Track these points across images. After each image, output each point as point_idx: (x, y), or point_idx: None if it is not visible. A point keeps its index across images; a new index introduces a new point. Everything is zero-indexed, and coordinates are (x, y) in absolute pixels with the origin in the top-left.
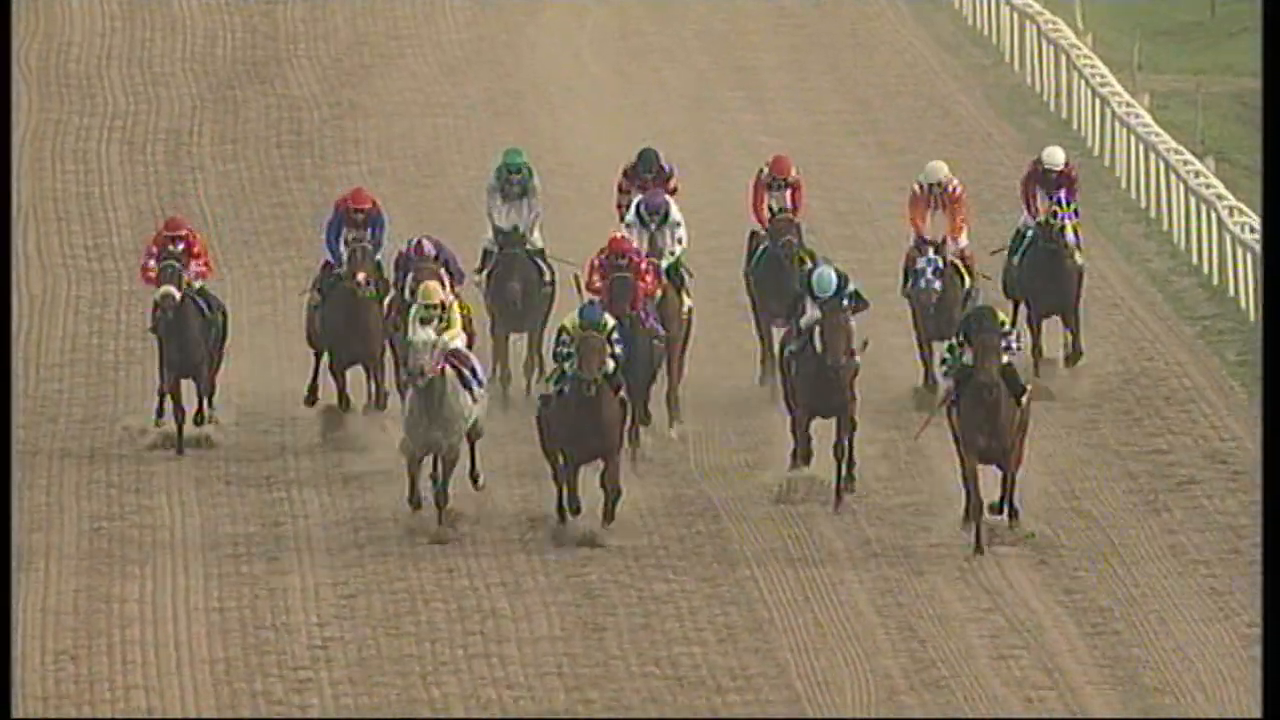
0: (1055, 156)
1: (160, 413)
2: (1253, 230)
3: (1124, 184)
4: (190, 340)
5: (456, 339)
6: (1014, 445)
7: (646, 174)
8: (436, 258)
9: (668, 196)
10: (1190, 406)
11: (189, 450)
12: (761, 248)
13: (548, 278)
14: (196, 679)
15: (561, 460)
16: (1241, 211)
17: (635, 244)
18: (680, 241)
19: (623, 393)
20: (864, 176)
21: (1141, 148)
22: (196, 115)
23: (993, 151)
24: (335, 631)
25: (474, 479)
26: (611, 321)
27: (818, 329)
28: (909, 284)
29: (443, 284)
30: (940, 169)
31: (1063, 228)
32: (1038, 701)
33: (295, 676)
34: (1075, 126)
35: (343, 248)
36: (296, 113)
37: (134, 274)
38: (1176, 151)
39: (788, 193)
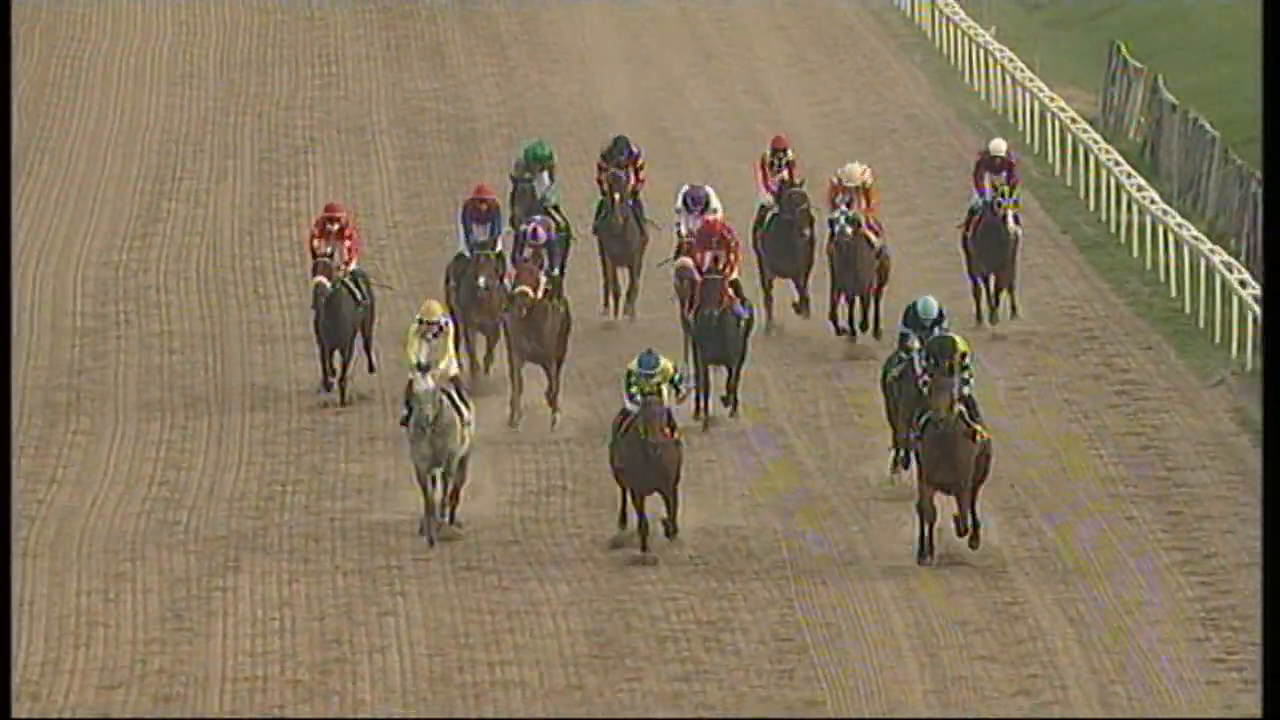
0: (999, 146)
1: (327, 385)
2: (1022, 71)
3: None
4: (341, 318)
5: (450, 367)
6: (971, 481)
7: (620, 156)
8: (546, 243)
9: (708, 189)
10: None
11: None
12: (770, 215)
13: (563, 226)
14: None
15: (629, 491)
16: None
17: (684, 227)
18: None
19: (677, 434)
20: None
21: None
22: None
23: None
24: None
25: (452, 520)
26: (669, 365)
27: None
28: (830, 237)
29: (535, 284)
30: (855, 171)
31: (1005, 215)
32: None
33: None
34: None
35: (473, 247)
36: None
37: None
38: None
39: (787, 170)
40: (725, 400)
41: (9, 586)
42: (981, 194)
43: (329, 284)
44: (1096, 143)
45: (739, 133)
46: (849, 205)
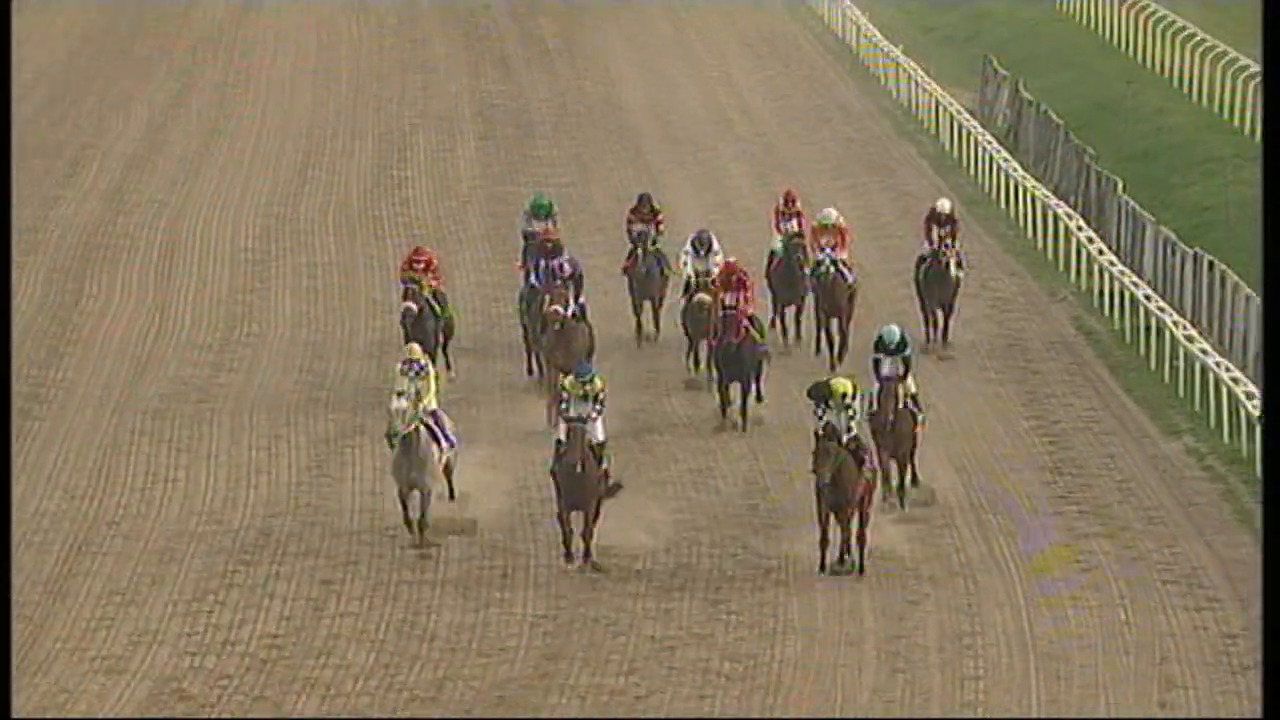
0: (944, 205)
1: None
2: (922, 76)
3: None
4: (425, 332)
5: (432, 402)
6: (857, 500)
7: (644, 209)
8: (571, 275)
9: (712, 234)
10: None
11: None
12: (777, 259)
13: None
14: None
15: (559, 507)
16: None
17: (690, 269)
18: (718, 266)
19: (605, 465)
20: None
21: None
22: None
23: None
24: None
25: (451, 495)
26: (601, 381)
27: (876, 392)
28: (812, 273)
29: (565, 304)
30: (831, 214)
31: (948, 263)
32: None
33: None
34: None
35: (542, 276)
36: None
37: None
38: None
39: (795, 220)
40: (743, 414)
41: (9, 586)
42: (930, 243)
43: (415, 308)
44: (975, 128)
45: (718, 119)
46: (831, 247)
